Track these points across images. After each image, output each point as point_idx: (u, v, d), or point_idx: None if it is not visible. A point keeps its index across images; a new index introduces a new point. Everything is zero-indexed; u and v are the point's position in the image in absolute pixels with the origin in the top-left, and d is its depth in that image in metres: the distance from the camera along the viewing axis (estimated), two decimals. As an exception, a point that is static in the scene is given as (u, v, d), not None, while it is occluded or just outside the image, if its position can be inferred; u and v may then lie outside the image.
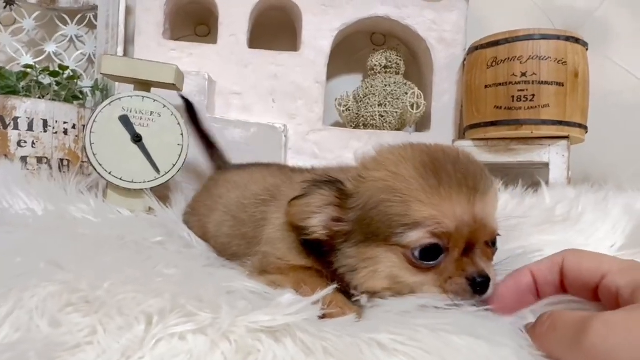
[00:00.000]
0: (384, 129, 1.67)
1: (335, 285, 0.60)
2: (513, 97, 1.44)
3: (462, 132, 1.64)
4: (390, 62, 1.71)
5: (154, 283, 0.63)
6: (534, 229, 0.94)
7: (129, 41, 1.69)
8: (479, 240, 0.59)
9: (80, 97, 1.60)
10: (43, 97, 1.43)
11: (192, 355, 0.49)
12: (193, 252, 0.95)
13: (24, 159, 1.33)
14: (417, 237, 0.57)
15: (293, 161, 1.52)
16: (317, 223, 0.63)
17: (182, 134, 1.20)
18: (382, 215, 0.58)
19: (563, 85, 1.42)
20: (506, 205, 1.15)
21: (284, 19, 1.80)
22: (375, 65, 1.71)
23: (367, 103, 1.68)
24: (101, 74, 1.22)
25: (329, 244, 0.64)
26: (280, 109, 1.63)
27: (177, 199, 1.23)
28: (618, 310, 0.46)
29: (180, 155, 1.20)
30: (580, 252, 0.56)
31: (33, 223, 0.93)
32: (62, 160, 1.37)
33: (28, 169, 1.32)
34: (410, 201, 0.57)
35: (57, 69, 1.58)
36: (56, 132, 1.36)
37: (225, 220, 0.92)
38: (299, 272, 0.67)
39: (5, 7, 1.74)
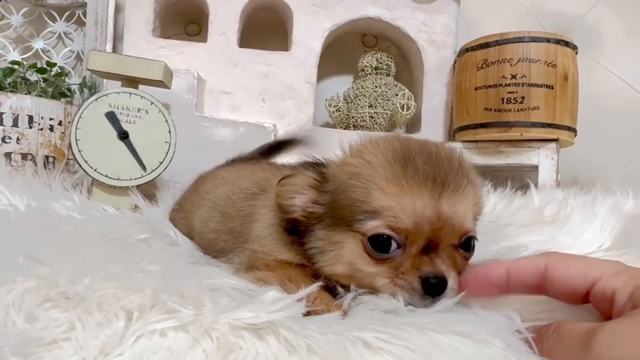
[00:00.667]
0: (374, 130, 1.66)
1: (320, 283, 0.59)
2: (503, 99, 1.44)
3: (452, 133, 1.64)
4: (381, 63, 1.70)
5: (136, 279, 0.62)
6: (522, 229, 0.94)
7: (118, 39, 1.68)
8: (443, 240, 0.57)
9: (68, 94, 1.58)
10: (29, 93, 1.41)
11: (173, 352, 0.48)
12: (178, 249, 0.93)
13: (8, 155, 1.31)
14: (372, 227, 0.56)
15: (282, 161, 1.51)
16: (300, 203, 0.63)
17: (169, 131, 1.19)
18: (347, 200, 0.58)
19: (552, 88, 1.42)
20: (495, 207, 1.15)
21: (274, 19, 1.79)
22: (366, 66, 1.71)
23: (358, 104, 1.68)
24: (88, 69, 1.20)
25: (305, 226, 0.64)
26: (270, 109, 1.62)
27: (163, 197, 1.22)
28: (623, 318, 0.45)
29: (167, 153, 1.18)
30: (564, 255, 0.54)
31: (14, 219, 0.91)
32: (47, 157, 1.35)
33: (12, 166, 1.30)
34: (372, 188, 0.56)
35: (45, 66, 1.56)
36: (42, 129, 1.34)
37: (212, 216, 0.90)
38: (287, 268, 0.66)
39: (-8, 3, 1.72)
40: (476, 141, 1.53)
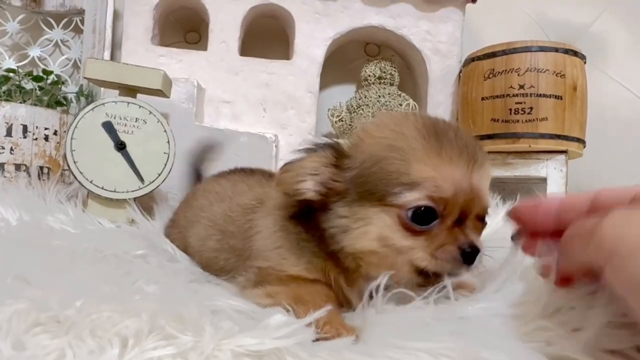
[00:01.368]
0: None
1: (330, 307, 0.55)
2: (510, 109, 1.40)
3: (457, 145, 1.60)
4: (384, 72, 1.67)
5: (132, 301, 0.58)
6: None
7: (116, 46, 1.64)
8: (472, 211, 0.58)
9: (64, 103, 1.54)
10: (25, 102, 1.37)
11: (171, 383, 0.44)
12: (176, 266, 0.89)
13: (1, 165, 1.27)
14: (414, 198, 0.55)
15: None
16: (311, 186, 0.61)
17: (168, 142, 1.15)
18: (381, 172, 0.57)
19: (561, 99, 1.39)
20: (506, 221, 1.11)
21: (276, 27, 1.76)
22: (369, 75, 1.67)
23: (361, 114, 1.64)
24: (85, 78, 1.16)
25: (322, 204, 0.62)
26: (271, 119, 1.59)
27: (161, 210, 1.18)
28: (630, 204, 0.45)
29: (166, 164, 1.15)
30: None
31: (5, 233, 0.88)
32: (41, 167, 1.31)
33: (5, 177, 1.26)
34: (412, 160, 0.56)
35: (41, 74, 1.53)
36: (36, 139, 1.30)
37: (211, 234, 0.86)
38: (299, 284, 0.63)
39: (-12, 10, 1.69)
40: (483, 152, 1.49)
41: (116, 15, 1.65)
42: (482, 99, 1.46)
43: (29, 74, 1.53)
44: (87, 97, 1.56)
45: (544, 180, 1.44)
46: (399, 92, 1.69)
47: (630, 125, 1.81)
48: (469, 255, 0.56)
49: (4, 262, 0.67)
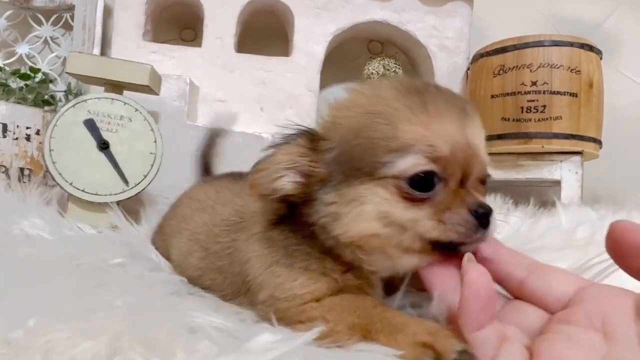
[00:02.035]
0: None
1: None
2: (522, 108, 1.32)
3: (465, 146, 1.52)
4: (388, 70, 1.59)
5: (94, 319, 0.50)
6: (554, 254, 0.81)
7: (107, 43, 1.57)
8: (473, 171, 0.50)
9: (52, 102, 1.47)
10: (8, 100, 1.29)
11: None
12: (158, 276, 0.80)
13: (-22, 167, 1.19)
14: (410, 164, 0.48)
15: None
16: (290, 179, 0.54)
17: (155, 141, 1.08)
18: (365, 143, 0.50)
19: (577, 96, 1.31)
20: (519, 226, 1.02)
21: (275, 23, 1.68)
22: (372, 73, 1.60)
23: (363, 113, 1.56)
24: (67, 73, 1.09)
25: (305, 197, 0.54)
26: (268, 118, 1.51)
27: (149, 215, 1.10)
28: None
29: (152, 165, 1.07)
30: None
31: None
32: (22, 169, 1.23)
33: (-18, 179, 1.18)
34: (396, 121, 0.49)
35: (29, 72, 1.46)
36: (17, 138, 1.22)
37: (194, 250, 0.78)
38: (338, 308, 0.53)
39: (-26, 5, 1.62)
40: (492, 154, 1.40)
41: (107, 12, 1.58)
42: (492, 96, 1.37)
43: (16, 72, 1.46)
44: (76, 95, 1.49)
45: (557, 183, 1.35)
46: (404, 91, 1.61)
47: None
48: (482, 216, 0.48)
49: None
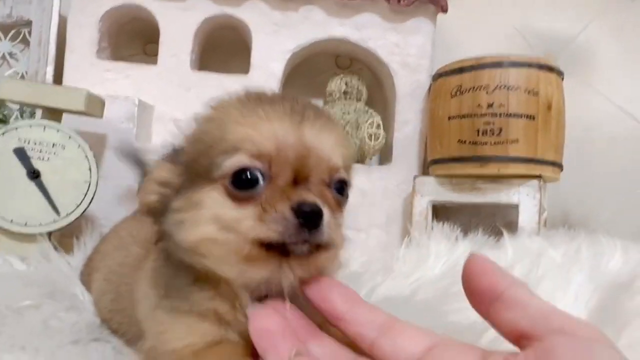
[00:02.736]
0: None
1: None
2: (478, 130, 1.29)
3: (427, 166, 1.49)
4: (350, 87, 1.56)
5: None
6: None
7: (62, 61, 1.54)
8: (312, 173, 0.49)
9: (5, 120, 1.44)
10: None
11: None
12: (70, 319, 0.78)
13: None
14: (231, 163, 0.48)
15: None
16: (155, 192, 0.54)
17: (90, 169, 1.05)
18: (202, 148, 0.51)
19: (534, 119, 1.27)
20: (461, 258, 0.99)
21: (238, 40, 1.65)
22: (333, 90, 1.57)
23: (324, 132, 1.53)
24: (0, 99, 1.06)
25: (163, 209, 0.54)
26: (225, 138, 1.47)
27: (85, 243, 1.07)
28: None
29: (86, 194, 1.04)
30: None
31: None
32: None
33: None
34: (227, 124, 0.50)
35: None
36: (-45, 163, 1.19)
37: (107, 291, 0.75)
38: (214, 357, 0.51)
39: None
40: (450, 176, 1.37)
41: (65, 27, 1.55)
42: (449, 118, 1.34)
43: (-31, 89, 1.43)
44: (32, 114, 1.46)
45: (516, 207, 1.32)
46: (367, 109, 1.58)
47: (617, 144, 1.69)
48: (308, 215, 0.45)
49: None
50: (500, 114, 1.27)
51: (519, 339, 0.39)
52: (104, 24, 1.49)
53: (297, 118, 0.49)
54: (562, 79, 1.36)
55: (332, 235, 0.48)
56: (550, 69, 1.31)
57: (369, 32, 1.52)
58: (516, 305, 0.39)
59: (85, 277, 0.90)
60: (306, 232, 0.46)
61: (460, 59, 1.36)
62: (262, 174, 0.48)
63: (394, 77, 1.52)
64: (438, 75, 1.40)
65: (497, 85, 1.27)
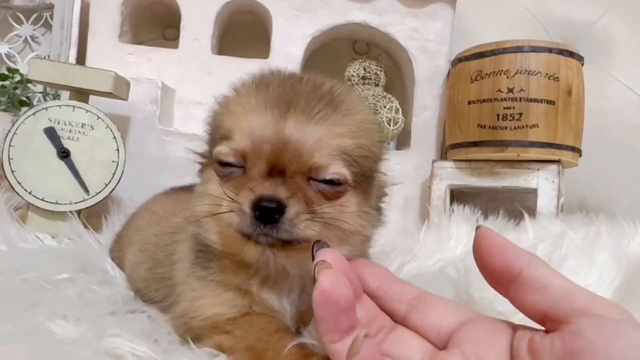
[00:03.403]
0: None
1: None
2: (498, 115, 1.29)
3: (445, 151, 1.50)
4: (368, 72, 1.57)
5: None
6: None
7: (86, 44, 1.56)
8: (288, 167, 0.49)
9: (28, 103, 1.46)
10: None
11: None
12: (103, 292, 0.80)
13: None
14: (217, 151, 0.53)
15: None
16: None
17: (118, 150, 1.07)
18: (210, 129, 0.58)
19: (554, 104, 1.28)
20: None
21: (257, 24, 1.66)
22: (352, 75, 1.58)
23: (342, 117, 1.54)
24: (28, 80, 1.08)
25: None
26: (246, 122, 1.49)
27: (112, 222, 1.10)
28: None
29: (114, 174, 1.06)
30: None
31: None
32: (-11, 174, 1.23)
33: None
34: (225, 112, 0.55)
35: (6, 72, 1.45)
36: (-17, 143, 1.21)
37: (142, 261, 0.78)
38: (246, 327, 0.54)
39: (-46, 4, 1.61)
40: (469, 160, 1.38)
41: (87, 11, 1.56)
42: (469, 102, 1.35)
43: (-6, 72, 1.46)
44: (54, 97, 1.48)
45: (534, 191, 1.33)
46: (385, 94, 1.58)
47: (635, 130, 1.69)
48: (263, 210, 0.47)
49: None
50: (520, 99, 1.28)
51: (543, 320, 0.39)
52: (126, 7, 1.50)
53: (282, 110, 0.50)
54: (582, 64, 1.36)
55: (305, 231, 0.48)
56: (571, 54, 1.32)
57: (388, 17, 1.53)
58: (536, 287, 0.39)
59: (116, 254, 0.92)
60: (261, 226, 0.48)
61: (480, 44, 1.36)
62: (237, 167, 0.52)
63: (413, 62, 1.53)
64: (458, 60, 1.41)
65: (518, 70, 1.28)
